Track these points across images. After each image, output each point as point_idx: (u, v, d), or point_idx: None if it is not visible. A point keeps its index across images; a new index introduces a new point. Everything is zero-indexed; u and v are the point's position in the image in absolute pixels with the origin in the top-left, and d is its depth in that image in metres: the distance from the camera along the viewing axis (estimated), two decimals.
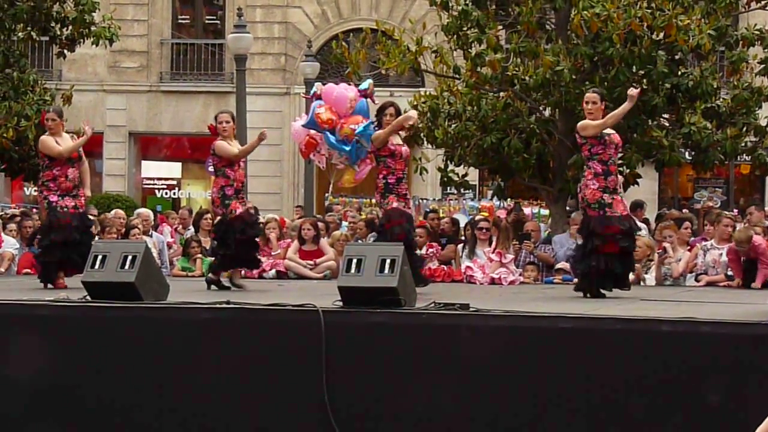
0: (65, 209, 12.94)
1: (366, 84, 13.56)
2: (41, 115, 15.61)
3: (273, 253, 15.97)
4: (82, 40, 20.07)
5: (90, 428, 9.54)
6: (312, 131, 13.44)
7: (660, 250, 14.94)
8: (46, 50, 26.26)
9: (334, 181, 26.41)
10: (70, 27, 19.77)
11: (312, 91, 13.68)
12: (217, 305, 9.79)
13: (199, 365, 9.45)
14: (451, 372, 9.04)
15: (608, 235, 11.81)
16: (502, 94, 16.88)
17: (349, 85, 14.08)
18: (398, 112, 12.79)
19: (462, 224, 18.05)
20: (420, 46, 16.88)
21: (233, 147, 12.99)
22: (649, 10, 15.74)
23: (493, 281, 14.71)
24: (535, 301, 11.51)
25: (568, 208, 17.37)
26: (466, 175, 18.34)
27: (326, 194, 26.70)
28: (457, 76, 17.17)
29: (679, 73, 16.55)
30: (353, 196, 25.66)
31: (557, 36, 16.69)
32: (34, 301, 10.20)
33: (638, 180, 17.20)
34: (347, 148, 13.07)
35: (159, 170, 32.36)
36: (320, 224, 16.88)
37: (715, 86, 16.62)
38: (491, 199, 23.08)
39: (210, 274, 13.01)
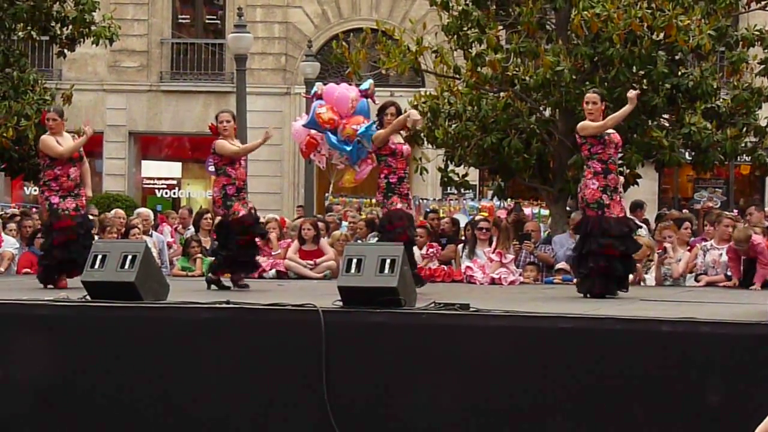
0: (66, 211, 12.94)
1: (367, 84, 13.57)
2: (41, 115, 15.61)
3: (273, 253, 15.97)
4: (82, 40, 20.06)
5: (90, 428, 9.55)
6: (313, 131, 13.45)
7: (660, 250, 14.94)
8: (46, 50, 26.24)
9: (334, 181, 26.40)
10: (70, 26, 19.76)
11: (313, 91, 13.70)
12: (217, 305, 9.80)
13: (199, 365, 9.45)
14: (451, 372, 9.04)
15: (605, 237, 11.82)
16: (502, 94, 16.88)
17: (350, 85, 14.09)
18: (399, 112, 12.80)
19: (462, 224, 18.06)
20: (420, 46, 16.87)
21: (234, 145, 13.00)
22: (650, 11, 15.74)
23: (493, 281, 14.71)
24: (535, 301, 11.51)
25: (568, 208, 17.37)
26: (466, 175, 18.34)
27: (326, 194, 26.70)
28: (457, 76, 17.17)
29: (680, 73, 16.55)
30: (353, 196, 25.66)
31: (557, 36, 16.69)
32: (34, 301, 10.20)
33: (638, 180, 17.20)
34: (348, 148, 13.08)
35: (159, 170, 32.37)
36: (320, 224, 16.89)
37: (715, 86, 16.62)
38: (491, 199, 23.08)
39: (210, 274, 13.01)
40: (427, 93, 17.92)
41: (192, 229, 17.62)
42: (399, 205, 12.60)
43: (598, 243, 11.83)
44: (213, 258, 13.64)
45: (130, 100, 31.15)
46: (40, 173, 13.56)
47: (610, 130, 12.00)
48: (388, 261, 9.44)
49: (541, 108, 16.89)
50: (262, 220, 15.13)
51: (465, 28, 16.85)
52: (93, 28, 19.81)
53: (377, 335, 9.25)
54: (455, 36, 16.99)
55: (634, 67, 16.04)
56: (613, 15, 15.59)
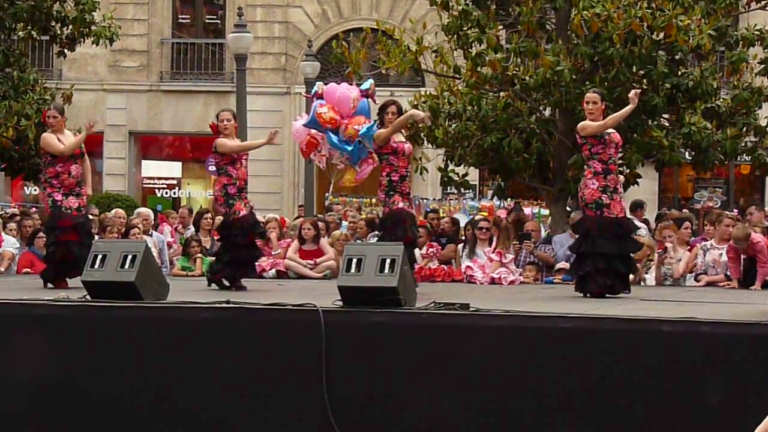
0: (68, 210, 12.94)
1: (367, 84, 13.57)
2: (42, 115, 15.61)
3: (273, 253, 15.98)
4: (82, 40, 20.06)
5: (90, 427, 9.54)
6: (313, 131, 13.45)
7: (660, 250, 14.94)
8: (47, 49, 26.25)
9: (335, 180, 26.41)
10: (71, 26, 19.75)
11: (313, 90, 13.70)
12: (217, 305, 9.80)
13: (199, 365, 9.45)
14: (451, 372, 9.04)
15: (603, 238, 11.82)
16: (502, 94, 16.88)
17: (350, 85, 14.10)
18: (400, 111, 12.81)
19: (462, 224, 18.07)
20: (420, 45, 16.87)
21: (234, 143, 13.01)
22: (650, 11, 15.74)
23: (493, 281, 14.71)
24: (535, 301, 11.51)
25: (568, 208, 17.37)
26: (466, 174, 18.34)
27: (326, 194, 26.70)
28: (457, 75, 17.17)
29: (679, 73, 16.55)
30: (353, 195, 25.67)
31: (557, 36, 16.69)
32: (34, 301, 10.19)
33: (638, 180, 17.20)
34: (349, 148, 13.09)
35: (159, 170, 32.37)
36: (320, 224, 16.90)
37: (715, 86, 16.62)
38: (491, 199, 23.10)
39: (210, 275, 13.01)
40: (427, 93, 17.92)
41: (192, 228, 17.63)
42: (401, 205, 12.61)
43: (597, 243, 11.83)
44: (213, 258, 13.63)
45: (130, 99, 31.15)
46: (42, 171, 13.56)
47: (611, 130, 12.00)
48: (388, 261, 9.43)
49: (541, 108, 16.89)
50: (261, 220, 15.15)
51: (465, 28, 16.85)
52: (93, 27, 19.80)
53: (377, 335, 9.25)
54: (455, 36, 16.99)
55: (634, 67, 16.05)
56: (613, 15, 15.60)
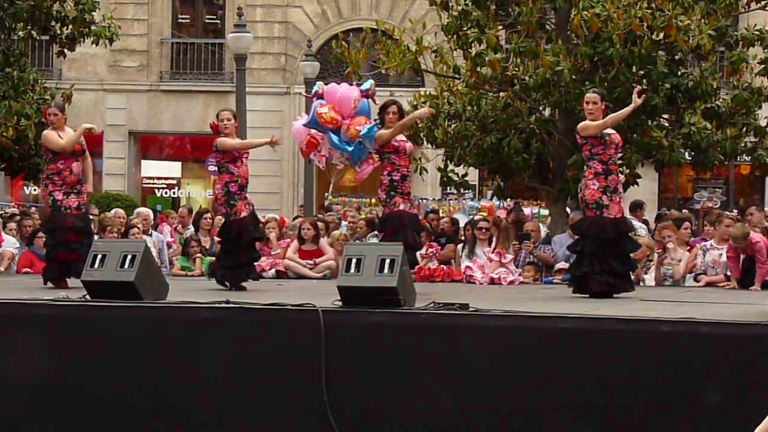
0: (68, 210, 12.95)
1: (368, 84, 13.57)
2: (42, 114, 15.61)
3: (273, 253, 15.98)
4: (82, 40, 20.05)
5: (90, 427, 9.54)
6: (313, 131, 13.45)
7: (660, 251, 14.94)
8: (46, 49, 26.24)
9: (334, 180, 26.42)
10: (70, 26, 19.74)
11: (314, 90, 13.69)
12: (217, 305, 9.80)
13: (199, 365, 9.45)
14: (451, 372, 9.04)
15: (601, 238, 11.82)
16: (502, 94, 16.88)
17: (350, 85, 14.09)
18: (401, 111, 12.81)
19: (462, 224, 18.09)
20: (420, 45, 16.87)
21: (236, 141, 13.02)
22: (649, 11, 15.73)
23: (492, 281, 14.71)
24: (535, 301, 11.51)
25: (567, 208, 17.37)
26: (465, 175, 18.34)
27: (326, 194, 26.71)
28: (457, 76, 17.17)
29: (679, 73, 16.54)
30: (353, 195, 25.68)
31: (557, 36, 16.68)
32: (34, 301, 10.19)
33: (638, 180, 17.19)
34: (350, 149, 13.08)
35: (159, 169, 32.38)
36: (320, 224, 16.90)
37: (714, 86, 16.61)
38: (491, 199, 23.12)
39: (211, 273, 13.03)
40: (427, 93, 17.92)
41: (191, 228, 17.63)
42: (402, 206, 12.61)
43: (595, 243, 11.82)
44: (213, 258, 13.63)
45: (130, 99, 31.16)
46: (43, 169, 13.56)
47: (611, 131, 12.00)
48: (387, 261, 9.43)
49: (540, 108, 16.89)
50: (261, 220, 15.14)
51: (465, 28, 16.85)
52: (93, 27, 19.80)
53: (377, 335, 9.25)
54: (455, 36, 16.99)
55: (634, 67, 16.04)
56: (613, 15, 15.59)
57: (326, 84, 13.83)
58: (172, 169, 32.40)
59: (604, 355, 8.80)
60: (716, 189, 30.15)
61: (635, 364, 8.73)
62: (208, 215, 17.15)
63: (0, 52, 19.30)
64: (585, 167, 12.15)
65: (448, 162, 17.66)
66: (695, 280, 14.69)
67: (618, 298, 11.73)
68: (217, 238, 14.10)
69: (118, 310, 9.75)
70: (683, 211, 22.77)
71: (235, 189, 12.78)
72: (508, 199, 22.15)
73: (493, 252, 15.07)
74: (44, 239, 13.98)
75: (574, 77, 15.88)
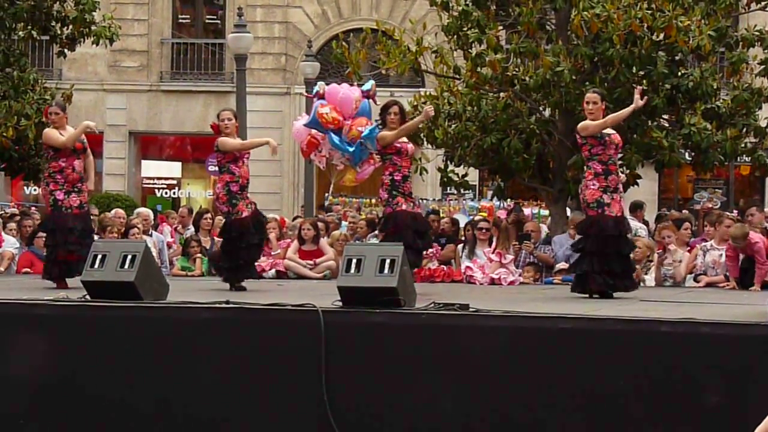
0: (69, 210, 12.94)
1: (368, 85, 13.58)
2: (42, 114, 15.61)
3: (273, 253, 15.98)
4: (82, 40, 20.06)
5: (90, 428, 9.54)
6: (314, 131, 13.45)
7: (660, 251, 14.94)
8: (47, 49, 26.26)
9: (335, 180, 26.45)
10: (71, 26, 19.75)
11: (314, 90, 13.69)
12: (217, 305, 9.80)
13: (199, 365, 9.46)
14: (451, 372, 9.04)
15: (601, 237, 11.83)
16: (502, 94, 16.88)
17: (351, 85, 14.10)
18: (402, 111, 12.82)
19: (462, 224, 18.09)
20: (420, 46, 16.87)
21: (236, 141, 13.02)
22: (650, 11, 15.74)
23: (492, 281, 14.71)
24: (535, 301, 11.51)
25: (567, 208, 17.37)
26: (466, 175, 18.35)
27: (326, 194, 26.72)
28: (457, 76, 17.17)
29: (679, 74, 16.55)
30: (353, 196, 25.69)
31: (557, 36, 16.69)
32: (34, 301, 10.19)
33: (638, 180, 17.20)
34: (351, 149, 13.09)
35: (159, 170, 32.38)
36: (320, 224, 16.90)
37: (715, 87, 16.62)
38: (491, 200, 23.12)
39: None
40: (427, 93, 17.93)
41: (192, 228, 17.63)
42: (404, 206, 12.61)
43: (596, 242, 11.83)
44: (214, 259, 13.62)
45: (130, 99, 31.17)
46: (44, 167, 13.55)
47: (611, 131, 12.00)
48: (387, 261, 9.43)
49: (540, 108, 16.89)
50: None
51: (465, 29, 16.86)
52: (93, 27, 19.80)
53: (377, 335, 9.25)
54: (455, 36, 17.00)
55: (634, 68, 16.04)
56: (613, 15, 15.60)
57: (327, 84, 13.84)
58: (172, 169, 32.40)
59: (604, 355, 8.80)
60: (716, 189, 30.15)
61: (635, 365, 8.73)
62: (209, 215, 17.15)
63: (0, 52, 19.30)
64: (585, 168, 12.15)
65: (449, 162, 17.67)
66: (695, 280, 14.69)
67: (618, 299, 11.74)
68: (217, 239, 14.09)
69: (118, 310, 9.75)
70: (683, 211, 22.77)
71: (236, 188, 12.77)
72: (508, 200, 22.15)
73: (493, 252, 15.07)
74: (44, 239, 13.98)
75: (574, 78, 15.89)
